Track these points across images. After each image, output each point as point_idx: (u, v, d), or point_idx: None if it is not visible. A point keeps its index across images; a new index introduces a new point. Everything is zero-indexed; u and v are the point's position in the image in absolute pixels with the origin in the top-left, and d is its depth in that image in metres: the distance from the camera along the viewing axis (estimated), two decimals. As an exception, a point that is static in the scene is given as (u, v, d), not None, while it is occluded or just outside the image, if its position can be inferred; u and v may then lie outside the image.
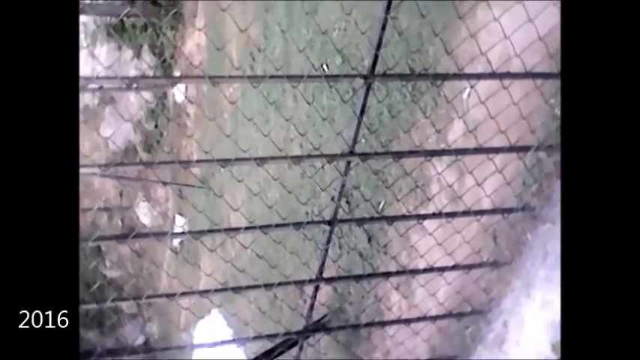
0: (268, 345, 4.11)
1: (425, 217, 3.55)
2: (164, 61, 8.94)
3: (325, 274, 3.35)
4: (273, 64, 6.04)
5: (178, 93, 8.71)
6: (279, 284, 3.23)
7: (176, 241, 8.39)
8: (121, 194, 9.51)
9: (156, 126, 9.19)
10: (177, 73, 8.90)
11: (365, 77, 2.84)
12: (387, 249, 4.43)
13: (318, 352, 4.65)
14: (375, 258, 4.61)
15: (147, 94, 9.10)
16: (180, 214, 8.68)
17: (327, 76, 2.98)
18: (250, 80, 2.73)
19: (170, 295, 3.16)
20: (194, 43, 8.88)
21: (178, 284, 7.94)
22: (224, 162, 2.78)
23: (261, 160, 2.83)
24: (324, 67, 5.72)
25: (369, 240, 4.76)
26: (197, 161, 2.58)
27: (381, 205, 4.63)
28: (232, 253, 6.42)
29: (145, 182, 8.57)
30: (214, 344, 3.52)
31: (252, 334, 3.48)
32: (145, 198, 9.07)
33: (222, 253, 6.93)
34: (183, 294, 3.16)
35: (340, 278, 4.43)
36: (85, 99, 9.62)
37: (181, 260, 7.92)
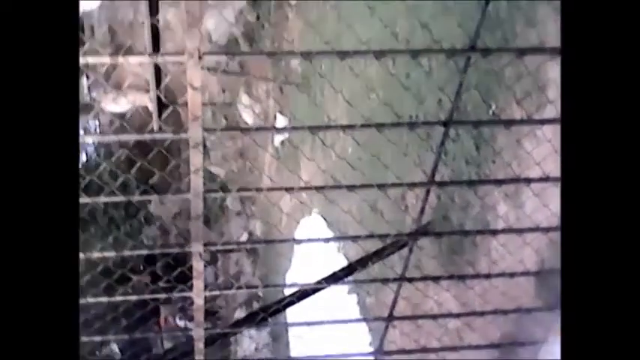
0: (369, 250, 4.08)
1: (544, 122, 3.30)
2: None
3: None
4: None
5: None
6: (392, 185, 3.12)
7: (277, 142, 8.48)
8: (223, 90, 9.63)
9: (258, 17, 9.06)
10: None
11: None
12: (497, 156, 4.21)
13: (423, 255, 4.59)
14: (482, 166, 4.40)
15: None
16: (281, 113, 8.71)
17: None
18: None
19: (289, 189, 3.11)
20: None
21: (280, 181, 8.09)
22: (343, 54, 2.60)
23: (380, 54, 2.67)
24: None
25: (477, 148, 4.54)
26: (317, 53, 2.43)
27: (492, 109, 4.35)
28: (332, 155, 6.39)
29: (249, 78, 8.59)
30: (327, 239, 3.50)
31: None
32: (247, 94, 9.13)
33: (323, 155, 6.93)
34: (302, 189, 3.12)
35: (453, 183, 4.29)
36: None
37: (283, 159, 8.00)
